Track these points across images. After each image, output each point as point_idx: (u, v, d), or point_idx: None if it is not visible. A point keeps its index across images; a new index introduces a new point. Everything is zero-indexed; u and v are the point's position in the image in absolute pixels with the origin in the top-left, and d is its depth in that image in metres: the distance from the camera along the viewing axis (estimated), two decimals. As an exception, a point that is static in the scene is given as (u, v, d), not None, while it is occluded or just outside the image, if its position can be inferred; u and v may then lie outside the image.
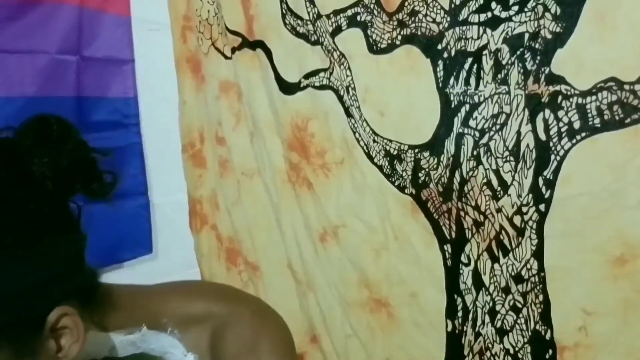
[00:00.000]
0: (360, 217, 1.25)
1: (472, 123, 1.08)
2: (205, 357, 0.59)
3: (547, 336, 1.07)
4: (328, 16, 1.20)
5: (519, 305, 1.09)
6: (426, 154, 1.14)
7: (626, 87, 0.92)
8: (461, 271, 1.14)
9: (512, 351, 1.11)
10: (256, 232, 1.46)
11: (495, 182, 1.07)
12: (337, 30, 1.20)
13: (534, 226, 1.04)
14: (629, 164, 0.94)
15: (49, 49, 1.32)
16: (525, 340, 1.10)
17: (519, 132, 1.03)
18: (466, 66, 1.07)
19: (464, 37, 1.06)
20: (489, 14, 1.03)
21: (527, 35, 1.00)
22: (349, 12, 1.18)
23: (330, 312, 1.34)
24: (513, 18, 1.01)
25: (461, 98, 1.08)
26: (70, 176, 0.50)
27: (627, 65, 0.92)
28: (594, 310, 1.02)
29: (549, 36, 0.98)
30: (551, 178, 1.01)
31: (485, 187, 1.08)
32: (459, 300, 1.16)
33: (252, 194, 1.44)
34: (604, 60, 0.94)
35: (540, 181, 1.02)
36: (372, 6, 1.15)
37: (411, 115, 1.15)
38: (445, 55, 1.09)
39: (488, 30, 1.04)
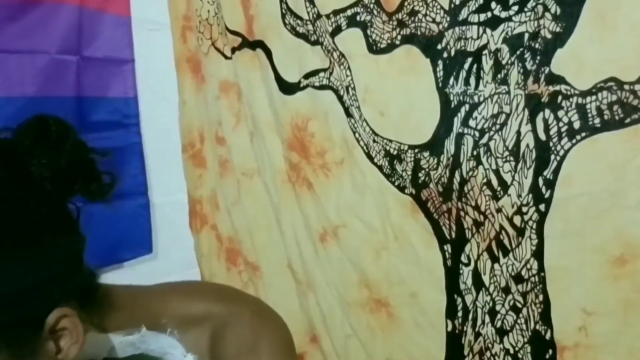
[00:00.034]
0: (360, 217, 1.25)
1: (472, 123, 1.08)
2: (205, 358, 0.59)
3: (547, 336, 1.07)
4: (328, 16, 1.20)
5: (519, 305, 1.09)
6: (426, 154, 1.14)
7: (626, 87, 0.92)
8: (461, 271, 1.14)
9: (512, 351, 1.11)
10: (256, 232, 1.46)
11: (495, 182, 1.07)
12: (337, 30, 1.19)
13: (534, 226, 1.04)
14: (629, 164, 0.94)
15: (49, 49, 1.32)
16: (525, 340, 1.10)
17: (519, 132, 1.03)
18: (466, 66, 1.07)
19: (463, 37, 1.06)
20: (489, 14, 1.03)
21: (527, 35, 1.00)
22: (349, 12, 1.18)
23: (330, 312, 1.34)
24: (513, 18, 1.01)
25: (461, 98, 1.08)
26: (69, 177, 0.50)
27: (627, 65, 0.92)
28: (594, 310, 1.02)
29: (549, 36, 0.98)
30: (551, 178, 1.01)
31: (485, 187, 1.08)
32: (459, 300, 1.16)
33: (252, 194, 1.44)
34: (604, 60, 0.94)
35: (540, 181, 1.02)
36: (371, 6, 1.15)
37: (411, 115, 1.15)
38: (445, 55, 1.09)
39: (488, 30, 1.04)
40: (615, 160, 0.95)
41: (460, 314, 1.16)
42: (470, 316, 1.15)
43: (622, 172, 0.95)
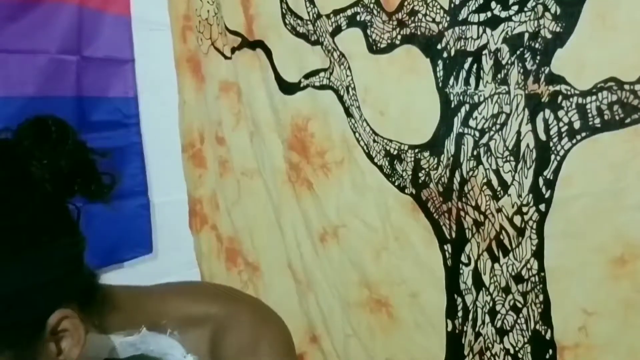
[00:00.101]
0: (360, 217, 1.25)
1: (472, 123, 1.08)
2: (205, 359, 0.59)
3: (547, 336, 1.07)
4: (328, 16, 1.20)
5: (519, 305, 1.09)
6: (426, 153, 1.14)
7: (626, 87, 0.92)
8: (461, 271, 1.14)
9: (512, 351, 1.11)
10: (256, 232, 1.46)
11: (495, 182, 1.07)
12: (337, 30, 1.19)
13: (534, 226, 1.04)
14: (629, 164, 0.94)
15: (49, 49, 1.32)
16: (525, 340, 1.10)
17: (519, 132, 1.03)
18: (466, 66, 1.07)
19: (463, 36, 1.06)
20: (489, 14, 1.03)
21: (527, 35, 1.00)
22: (349, 12, 1.18)
23: (330, 312, 1.34)
24: (513, 18, 1.01)
25: (461, 98, 1.08)
26: (69, 178, 0.50)
27: (627, 65, 0.92)
28: (594, 311, 1.02)
29: (549, 36, 0.98)
30: (551, 178, 1.01)
31: (485, 187, 1.08)
32: (459, 300, 1.16)
33: (252, 194, 1.44)
34: (604, 60, 0.94)
35: (541, 181, 1.02)
36: (371, 6, 1.15)
37: (411, 115, 1.15)
38: (445, 55, 1.09)
39: (488, 30, 1.03)
40: (615, 160, 0.95)
41: (460, 314, 1.16)
42: (471, 316, 1.15)
43: (622, 172, 0.95)
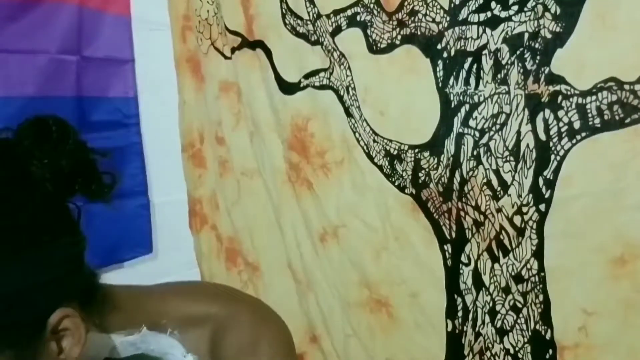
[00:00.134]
0: (360, 217, 1.25)
1: (472, 123, 1.08)
2: (205, 358, 0.59)
3: (547, 336, 1.07)
4: (328, 16, 1.20)
5: (519, 305, 1.09)
6: (426, 153, 1.14)
7: (626, 87, 0.92)
8: (461, 271, 1.14)
9: (512, 351, 1.11)
10: (256, 232, 1.46)
11: (495, 182, 1.07)
12: (337, 30, 1.19)
13: (534, 226, 1.04)
14: (629, 164, 0.94)
15: (49, 49, 1.32)
16: (525, 340, 1.10)
17: (519, 132, 1.03)
18: (466, 66, 1.07)
19: (463, 36, 1.06)
20: (489, 14, 1.03)
21: (526, 35, 1.00)
22: (349, 12, 1.18)
23: (330, 312, 1.34)
24: (513, 18, 1.01)
25: (461, 98, 1.08)
26: (69, 177, 0.50)
27: (627, 65, 0.92)
28: (594, 311, 1.02)
29: (549, 36, 0.98)
30: (551, 178, 1.01)
31: (485, 187, 1.08)
32: (459, 300, 1.16)
33: (252, 194, 1.44)
34: (604, 60, 0.94)
35: (541, 181, 1.02)
36: (371, 6, 1.15)
37: (411, 115, 1.15)
38: (445, 55, 1.09)
39: (488, 30, 1.04)
40: (615, 160, 0.95)
41: (460, 314, 1.16)
42: (471, 316, 1.15)
43: (622, 172, 0.95)
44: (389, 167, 1.19)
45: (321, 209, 1.29)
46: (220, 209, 1.52)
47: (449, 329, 1.18)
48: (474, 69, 1.06)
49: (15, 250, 0.45)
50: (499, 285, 1.10)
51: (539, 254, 1.05)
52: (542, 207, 1.03)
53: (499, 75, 1.03)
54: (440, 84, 1.10)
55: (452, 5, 1.07)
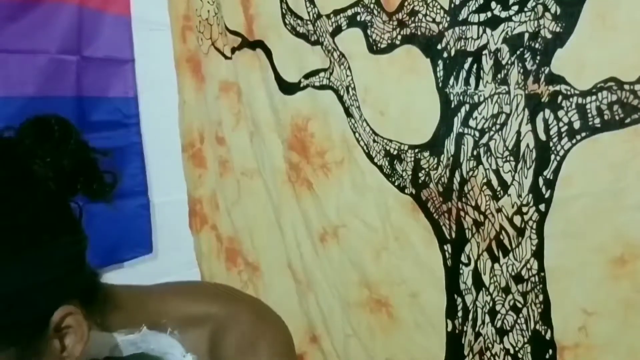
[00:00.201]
0: (360, 217, 1.25)
1: (472, 123, 1.08)
2: (204, 358, 0.59)
3: (547, 336, 1.07)
4: (328, 16, 1.20)
5: (519, 305, 1.09)
6: (426, 153, 1.14)
7: (626, 87, 0.92)
8: (461, 271, 1.14)
9: (512, 351, 1.11)
10: (256, 232, 1.46)
11: (495, 182, 1.07)
12: (337, 30, 1.19)
13: (534, 226, 1.04)
14: (629, 164, 0.94)
15: (49, 49, 1.32)
16: (525, 340, 1.10)
17: (519, 132, 1.03)
18: (466, 66, 1.07)
19: (463, 37, 1.06)
20: (489, 14, 1.03)
21: (527, 35, 1.00)
22: (349, 12, 1.18)
23: (330, 312, 1.34)
24: (513, 18, 1.01)
25: (461, 98, 1.08)
26: (71, 176, 0.50)
27: (627, 65, 0.92)
28: (594, 311, 1.02)
29: (549, 36, 0.98)
30: (551, 178, 1.01)
31: (485, 187, 1.08)
32: (459, 300, 1.16)
33: (252, 194, 1.44)
34: (604, 60, 0.94)
35: (540, 181, 1.02)
36: (372, 6, 1.15)
37: (411, 115, 1.15)
38: (445, 55, 1.09)
39: (488, 30, 1.04)
40: (615, 160, 0.95)
41: (460, 314, 1.16)
42: (470, 316, 1.15)
43: (622, 172, 0.95)
44: (389, 167, 1.19)
45: (321, 209, 1.29)
46: (220, 209, 1.52)
47: (449, 329, 1.18)
48: (474, 69, 1.06)
49: (16, 250, 0.45)
50: (499, 285, 1.10)
51: (539, 254, 1.05)
52: (542, 207, 1.03)
53: (499, 75, 1.04)
54: (440, 84, 1.10)
55: (452, 5, 1.07)
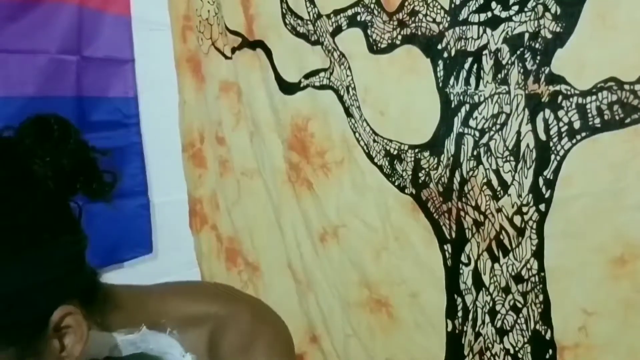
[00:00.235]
0: (360, 217, 1.25)
1: (472, 123, 1.08)
2: (203, 358, 0.59)
3: (547, 336, 1.07)
4: (328, 16, 1.20)
5: (519, 305, 1.09)
6: (426, 153, 1.14)
7: (626, 87, 0.92)
8: (461, 271, 1.14)
9: (512, 351, 1.11)
10: (256, 232, 1.46)
11: (495, 182, 1.07)
12: (337, 30, 1.19)
13: (534, 226, 1.04)
14: (629, 164, 0.94)
15: (49, 49, 1.32)
16: (525, 340, 1.10)
17: (519, 132, 1.03)
18: (466, 66, 1.07)
19: (464, 37, 1.06)
20: (489, 14, 1.03)
21: (527, 35, 1.00)
22: (349, 12, 1.18)
23: (330, 312, 1.34)
24: (513, 18, 1.01)
25: (461, 98, 1.08)
26: (71, 176, 0.50)
27: (628, 65, 0.92)
28: (594, 311, 1.02)
29: (549, 36, 0.98)
30: (551, 178, 1.01)
31: (485, 187, 1.08)
32: (459, 300, 1.16)
33: (252, 194, 1.44)
34: (604, 60, 0.94)
35: (541, 181, 1.02)
36: (372, 6, 1.15)
37: (411, 115, 1.15)
38: (445, 55, 1.09)
39: (488, 30, 1.04)
40: (615, 160, 0.95)
41: (460, 314, 1.16)
42: (471, 316, 1.15)
43: (622, 172, 0.95)
44: (389, 167, 1.19)
45: (321, 209, 1.29)
46: (220, 209, 1.52)
47: (449, 329, 1.18)
48: (474, 69, 1.06)
49: (15, 250, 0.45)
50: (499, 285, 1.10)
51: (539, 254, 1.05)
52: (542, 207, 1.03)
53: (499, 75, 1.04)
54: (440, 84, 1.10)
55: (453, 5, 1.07)
